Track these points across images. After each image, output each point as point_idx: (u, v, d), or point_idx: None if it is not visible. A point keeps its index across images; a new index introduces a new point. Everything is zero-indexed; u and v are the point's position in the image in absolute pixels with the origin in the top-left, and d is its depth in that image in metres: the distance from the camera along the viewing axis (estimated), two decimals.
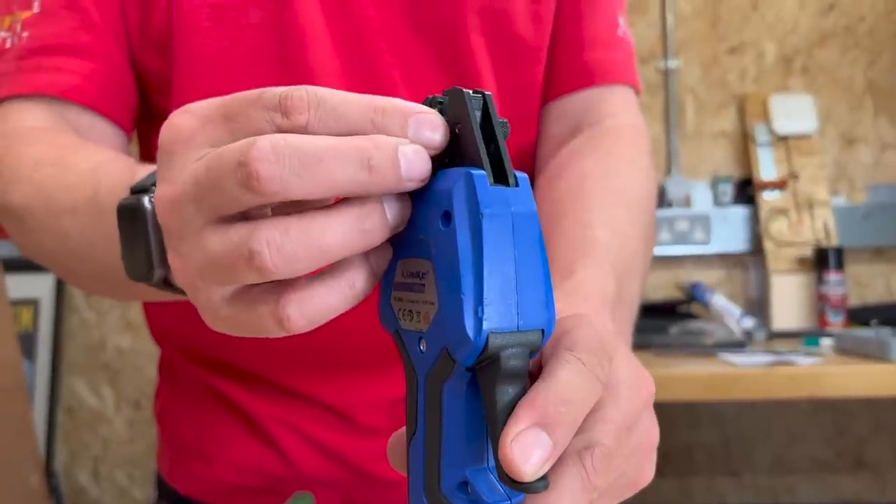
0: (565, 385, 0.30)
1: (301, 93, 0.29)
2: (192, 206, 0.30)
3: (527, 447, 0.28)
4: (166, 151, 0.32)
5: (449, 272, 0.29)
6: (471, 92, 0.32)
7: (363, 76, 0.58)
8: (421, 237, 0.31)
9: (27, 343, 1.89)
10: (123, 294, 0.53)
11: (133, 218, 0.40)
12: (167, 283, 0.40)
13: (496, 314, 0.29)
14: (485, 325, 0.29)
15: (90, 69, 0.60)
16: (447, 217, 0.30)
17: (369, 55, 0.59)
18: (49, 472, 1.92)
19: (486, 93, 0.32)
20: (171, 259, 0.33)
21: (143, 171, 0.44)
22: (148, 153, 0.67)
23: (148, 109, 0.65)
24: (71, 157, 0.53)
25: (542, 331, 0.30)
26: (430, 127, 0.30)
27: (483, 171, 0.30)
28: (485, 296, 0.29)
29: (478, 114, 0.32)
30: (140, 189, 0.41)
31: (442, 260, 0.30)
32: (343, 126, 0.29)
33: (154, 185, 0.39)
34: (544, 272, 0.30)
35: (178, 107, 0.59)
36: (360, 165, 0.28)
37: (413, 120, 0.30)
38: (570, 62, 0.66)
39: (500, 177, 0.31)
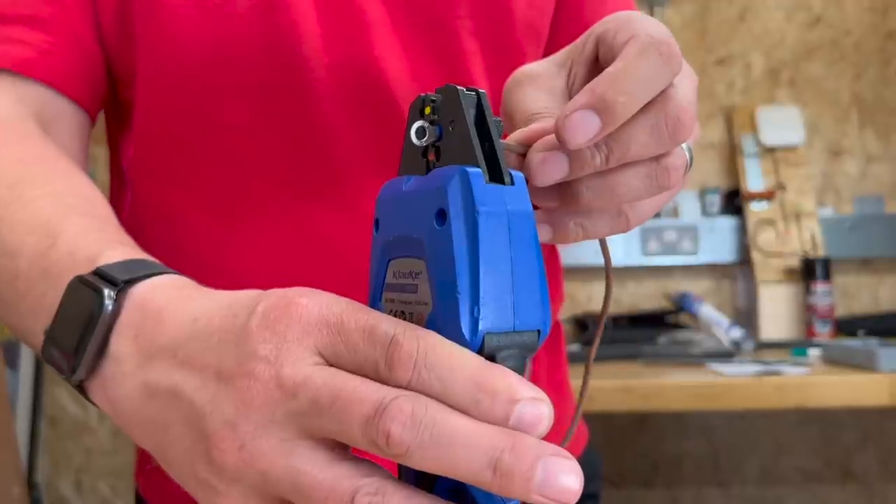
0: (632, 73, 0.33)
1: (412, 346, 0.28)
2: (292, 414, 0.29)
3: (577, 124, 0.33)
4: (278, 322, 0.30)
5: (444, 272, 0.29)
6: (465, 89, 0.31)
7: (355, 71, 0.57)
8: (414, 236, 0.30)
9: (10, 352, 1.87)
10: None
11: (85, 307, 0.37)
12: (80, 386, 0.38)
13: (492, 314, 0.28)
14: (481, 326, 0.28)
15: (49, 43, 0.55)
16: (442, 215, 0.29)
17: (361, 50, 0.57)
18: (31, 484, 1.90)
19: (481, 91, 0.32)
20: (216, 428, 0.30)
21: (116, 251, 0.41)
22: (116, 153, 0.64)
23: (117, 103, 0.62)
24: (31, 186, 0.47)
25: (539, 331, 0.30)
26: (531, 420, 0.27)
27: (478, 169, 0.29)
28: (481, 296, 0.28)
29: (472, 111, 0.31)
30: (105, 276, 0.38)
31: (436, 259, 0.29)
32: (444, 399, 0.27)
33: (126, 281, 0.37)
34: (540, 272, 0.30)
35: (144, 99, 0.57)
36: (486, 463, 0.26)
37: (517, 408, 0.27)
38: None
39: (496, 175, 0.30)
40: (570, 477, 0.26)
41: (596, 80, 0.34)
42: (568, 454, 0.27)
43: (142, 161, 0.60)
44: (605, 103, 0.33)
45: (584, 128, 0.33)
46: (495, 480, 0.26)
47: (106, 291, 0.37)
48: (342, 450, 0.29)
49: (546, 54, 0.64)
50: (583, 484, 0.26)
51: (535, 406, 0.27)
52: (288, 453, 0.29)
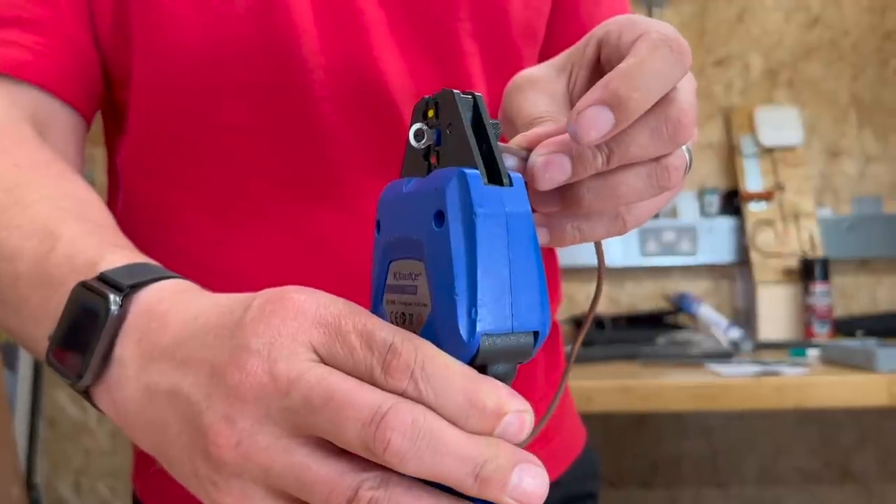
0: (646, 69, 0.34)
1: (410, 355, 0.28)
2: (285, 411, 0.29)
3: (590, 120, 0.33)
4: (273, 317, 0.30)
5: (442, 273, 0.29)
6: (461, 93, 0.32)
7: (353, 72, 0.57)
8: (413, 238, 0.31)
9: (9, 353, 1.87)
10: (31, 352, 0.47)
11: (91, 313, 0.37)
12: (86, 392, 0.38)
13: (490, 315, 0.29)
14: (478, 327, 0.28)
15: (43, 45, 0.55)
16: (440, 217, 0.29)
17: (359, 51, 0.57)
18: (30, 485, 1.90)
19: (477, 94, 0.32)
20: (212, 423, 0.30)
21: (116, 255, 0.41)
22: (112, 155, 0.64)
23: (113, 105, 0.62)
24: (27, 191, 0.47)
25: (536, 333, 0.30)
26: (515, 431, 0.29)
27: (476, 171, 0.30)
28: (478, 297, 0.28)
29: (469, 114, 0.31)
30: (110, 282, 0.37)
31: (435, 261, 0.29)
32: (436, 409, 0.28)
33: (132, 286, 0.37)
34: (539, 273, 0.30)
35: (140, 100, 0.57)
36: (470, 471, 0.27)
37: (504, 420, 0.28)
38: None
39: (494, 177, 0.30)
40: (536, 482, 0.28)
41: (609, 76, 0.34)
42: (538, 462, 0.28)
43: (137, 162, 0.60)
44: (619, 99, 0.33)
45: (598, 124, 0.33)
46: (474, 486, 0.28)
47: (111, 297, 0.37)
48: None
49: (542, 55, 0.64)
50: (548, 489, 0.28)
51: (520, 418, 0.29)
52: (286, 449, 0.29)
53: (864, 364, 1.30)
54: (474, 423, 0.28)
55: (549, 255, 0.72)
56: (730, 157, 1.96)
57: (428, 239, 0.30)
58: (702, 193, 1.92)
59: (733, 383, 1.28)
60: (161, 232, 0.59)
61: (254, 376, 0.29)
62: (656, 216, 1.88)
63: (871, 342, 1.48)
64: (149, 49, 0.56)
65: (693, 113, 0.36)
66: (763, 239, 1.85)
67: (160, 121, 0.58)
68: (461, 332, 0.28)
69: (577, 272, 1.89)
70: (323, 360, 0.30)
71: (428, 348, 0.29)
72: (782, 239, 1.84)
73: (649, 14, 1.97)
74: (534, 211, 0.36)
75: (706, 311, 1.76)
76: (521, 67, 0.61)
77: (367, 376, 0.29)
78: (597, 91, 0.33)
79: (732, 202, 1.91)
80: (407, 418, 0.27)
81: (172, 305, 0.36)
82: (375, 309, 0.33)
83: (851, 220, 1.90)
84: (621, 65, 0.34)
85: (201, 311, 0.34)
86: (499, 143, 0.32)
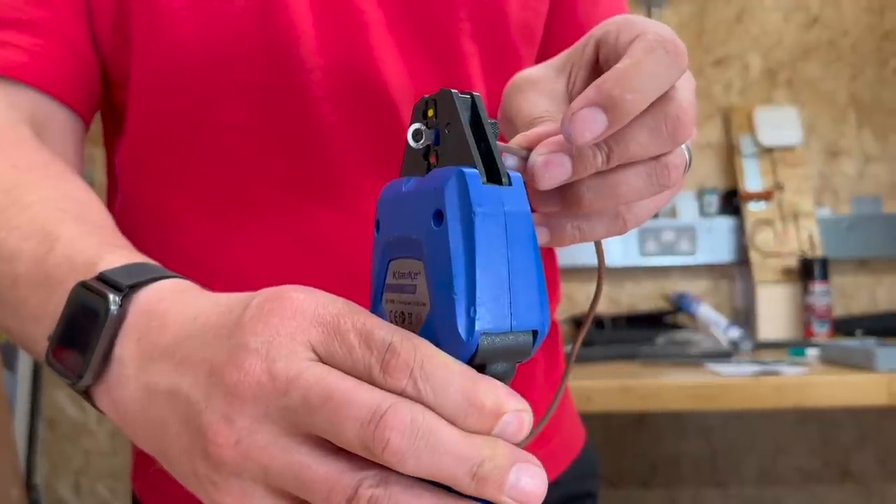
0: (641, 70, 0.34)
1: (409, 355, 0.28)
2: (284, 410, 0.29)
3: (584, 121, 0.33)
4: (271, 315, 0.30)
5: (441, 272, 0.29)
6: (459, 93, 0.32)
7: (352, 72, 0.57)
8: (412, 237, 0.31)
9: (9, 353, 1.87)
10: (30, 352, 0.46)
11: (91, 315, 0.37)
12: (86, 392, 0.38)
13: (489, 314, 0.29)
14: (477, 326, 0.28)
15: (41, 46, 0.55)
16: (439, 216, 0.29)
17: (357, 51, 0.57)
18: (29, 485, 1.90)
19: (475, 94, 0.32)
20: (211, 423, 0.30)
21: (115, 255, 0.41)
22: (111, 155, 0.64)
23: (111, 106, 0.62)
24: (26, 192, 0.47)
25: (535, 332, 0.30)
26: (514, 430, 0.29)
27: (475, 170, 0.30)
28: (477, 296, 0.28)
29: (467, 114, 0.31)
30: (109, 281, 0.38)
31: (434, 260, 0.29)
32: (435, 409, 0.28)
33: (131, 286, 0.37)
34: (538, 273, 0.30)
35: (138, 101, 0.57)
36: (468, 470, 0.28)
37: (503, 420, 0.28)
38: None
39: (493, 176, 0.30)
40: (535, 482, 0.28)
41: (603, 77, 0.34)
42: (536, 461, 0.28)
43: (136, 162, 0.60)
44: (613, 100, 0.33)
45: (591, 125, 0.33)
46: (472, 484, 0.28)
47: (111, 297, 0.37)
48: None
49: (540, 56, 0.64)
50: (546, 488, 0.28)
51: (519, 417, 0.29)
52: (286, 448, 0.29)
53: (863, 364, 1.30)
54: (473, 422, 0.28)
55: (548, 254, 0.72)
56: (729, 156, 1.96)
57: (427, 238, 0.30)
58: (701, 193, 1.92)
59: (733, 383, 1.28)
60: (160, 232, 0.59)
61: (252, 375, 0.29)
62: (656, 216, 1.88)
63: (870, 342, 1.48)
64: (148, 49, 0.56)
65: (692, 111, 0.36)
66: (762, 239, 1.85)
67: (159, 121, 0.58)
68: (460, 331, 0.28)
69: (577, 272, 1.89)
70: (322, 360, 0.30)
71: (427, 347, 0.29)
72: (781, 239, 1.84)
73: (648, 14, 1.97)
74: (534, 210, 0.36)
75: (705, 311, 1.76)
76: (520, 68, 0.61)
77: (365, 375, 0.29)
78: (591, 92, 0.33)
79: (732, 202, 1.91)
80: (406, 417, 0.27)
81: (172, 305, 0.36)
82: (375, 308, 0.33)
83: (851, 220, 1.90)
84: (616, 66, 0.34)
85: (201, 310, 0.34)
86: (499, 142, 0.32)
